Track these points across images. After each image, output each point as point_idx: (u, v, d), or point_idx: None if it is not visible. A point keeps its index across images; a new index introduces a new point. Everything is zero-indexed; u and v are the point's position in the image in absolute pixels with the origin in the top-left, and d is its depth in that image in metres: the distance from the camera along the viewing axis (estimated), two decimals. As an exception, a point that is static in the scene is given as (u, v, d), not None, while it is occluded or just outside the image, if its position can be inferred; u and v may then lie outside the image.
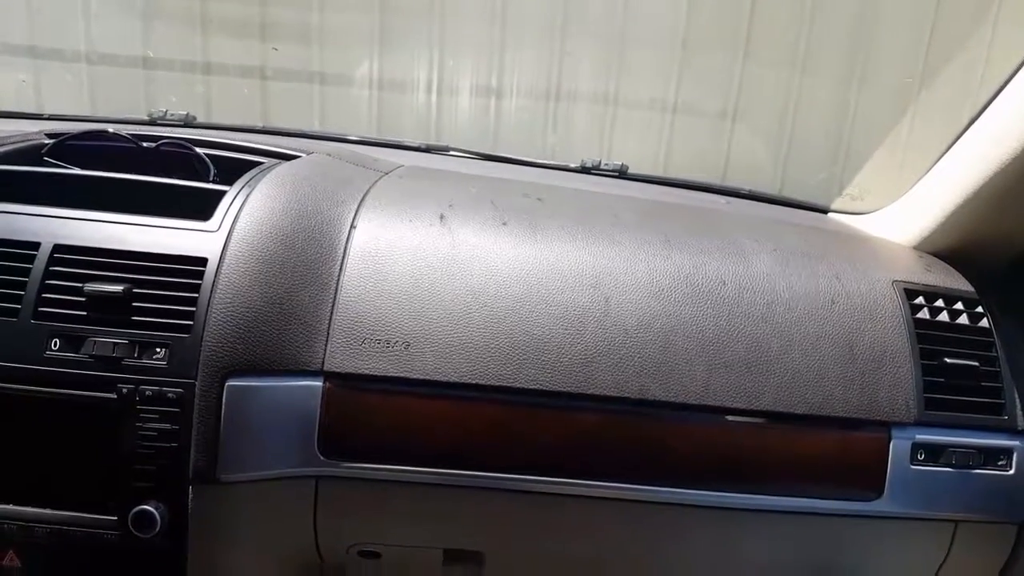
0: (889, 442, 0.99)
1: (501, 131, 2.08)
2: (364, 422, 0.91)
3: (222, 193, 0.98)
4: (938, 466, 1.00)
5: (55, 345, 0.87)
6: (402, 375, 0.91)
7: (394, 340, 0.91)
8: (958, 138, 1.17)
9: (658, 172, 1.59)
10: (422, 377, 0.91)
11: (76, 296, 0.88)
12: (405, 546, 1.00)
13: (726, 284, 1.01)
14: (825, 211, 1.57)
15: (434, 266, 0.96)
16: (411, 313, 0.93)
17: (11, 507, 0.88)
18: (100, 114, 1.99)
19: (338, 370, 0.90)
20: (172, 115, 1.59)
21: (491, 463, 0.93)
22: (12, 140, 1.16)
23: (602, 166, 1.57)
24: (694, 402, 0.94)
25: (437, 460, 0.92)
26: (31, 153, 1.13)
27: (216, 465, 0.87)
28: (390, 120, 2.06)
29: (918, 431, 1.00)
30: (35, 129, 1.28)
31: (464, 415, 0.92)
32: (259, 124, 1.59)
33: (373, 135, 1.66)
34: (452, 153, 1.58)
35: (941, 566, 1.06)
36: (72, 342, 0.87)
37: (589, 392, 0.93)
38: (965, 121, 1.15)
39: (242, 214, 0.95)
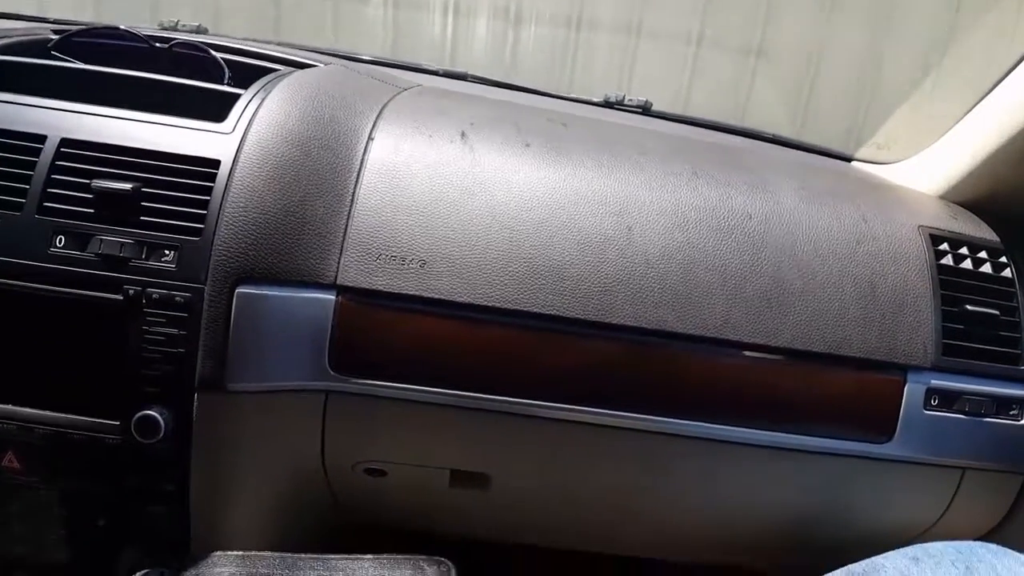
0: (904, 385, 0.98)
1: (519, 61, 2.02)
2: (376, 339, 0.89)
3: (237, 96, 0.95)
4: (951, 412, 0.99)
5: (60, 242, 0.84)
6: (417, 293, 0.88)
7: (410, 257, 0.89)
8: (992, 88, 1.14)
9: (677, 110, 1.54)
10: (437, 296, 0.89)
11: (83, 193, 0.85)
12: (412, 465, 0.99)
13: (752, 218, 0.99)
14: (849, 159, 1.53)
15: (453, 184, 0.93)
16: (428, 231, 0.90)
17: (11, 407, 0.87)
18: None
19: (352, 284, 0.88)
20: (184, 25, 1.54)
21: (502, 386, 0.91)
22: (18, 33, 1.12)
23: (626, 101, 1.53)
24: (712, 335, 0.93)
25: (448, 381, 0.90)
26: (37, 47, 1.09)
27: (223, 373, 0.85)
28: (405, 44, 2.01)
29: (933, 376, 0.99)
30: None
31: (478, 337, 0.90)
32: (272, 39, 1.54)
33: (387, 56, 1.61)
34: (470, 79, 1.53)
35: (944, 512, 1.06)
36: (77, 240, 0.84)
37: (606, 320, 0.91)
38: (996, 70, 1.12)
39: (257, 117, 0.92)
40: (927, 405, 0.98)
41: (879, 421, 0.98)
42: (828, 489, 1.04)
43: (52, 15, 1.66)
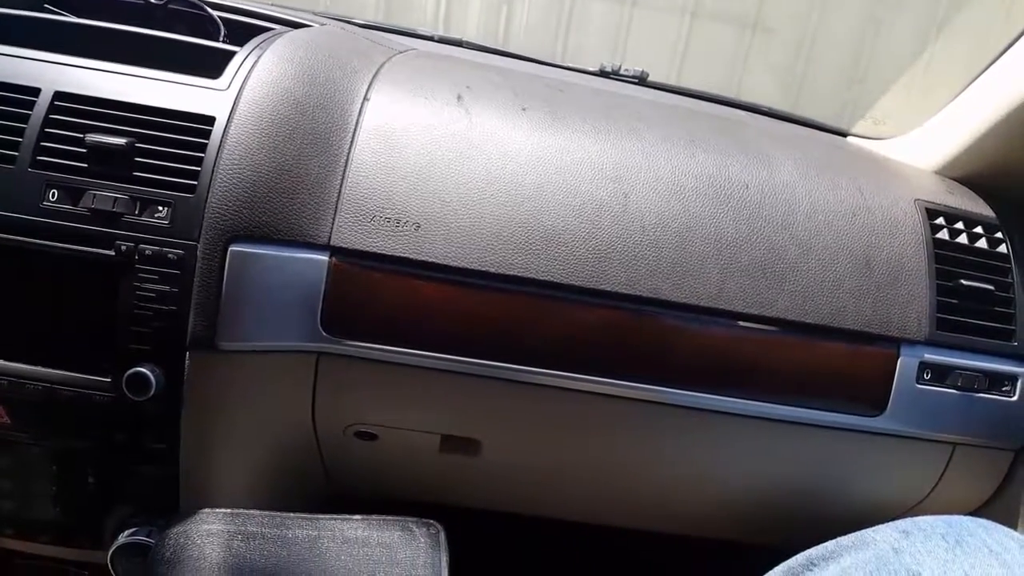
0: (897, 359, 0.98)
1: (512, 32, 2.01)
2: (369, 301, 0.88)
3: (232, 53, 0.94)
4: (943, 387, 0.99)
5: (53, 196, 0.83)
6: (411, 256, 0.88)
7: (404, 219, 0.88)
8: (990, 64, 1.14)
9: (671, 81, 1.53)
10: (431, 260, 0.88)
11: (76, 147, 0.84)
12: (402, 429, 0.99)
13: (748, 188, 0.98)
14: (844, 135, 1.53)
15: (449, 146, 0.92)
16: (423, 193, 0.89)
17: (1, 362, 0.86)
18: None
19: (345, 246, 0.87)
20: (180, -13, 1.52)
21: (495, 352, 0.91)
22: None
23: (622, 71, 1.51)
24: (706, 304, 0.93)
25: (441, 345, 0.90)
26: (31, 0, 1.07)
27: (215, 332, 0.85)
28: (399, 13, 1.98)
29: (927, 350, 0.99)
30: None
31: (471, 302, 0.90)
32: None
33: (381, 21, 1.59)
34: (465, 46, 1.52)
35: (934, 488, 1.06)
36: (71, 194, 0.83)
37: (600, 288, 0.91)
38: (994, 45, 1.11)
39: (252, 75, 0.90)
40: (920, 379, 0.99)
41: (871, 394, 0.98)
42: (819, 462, 1.04)
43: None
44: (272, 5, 1.42)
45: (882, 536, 0.77)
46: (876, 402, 0.98)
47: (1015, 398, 1.01)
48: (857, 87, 1.93)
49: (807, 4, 1.94)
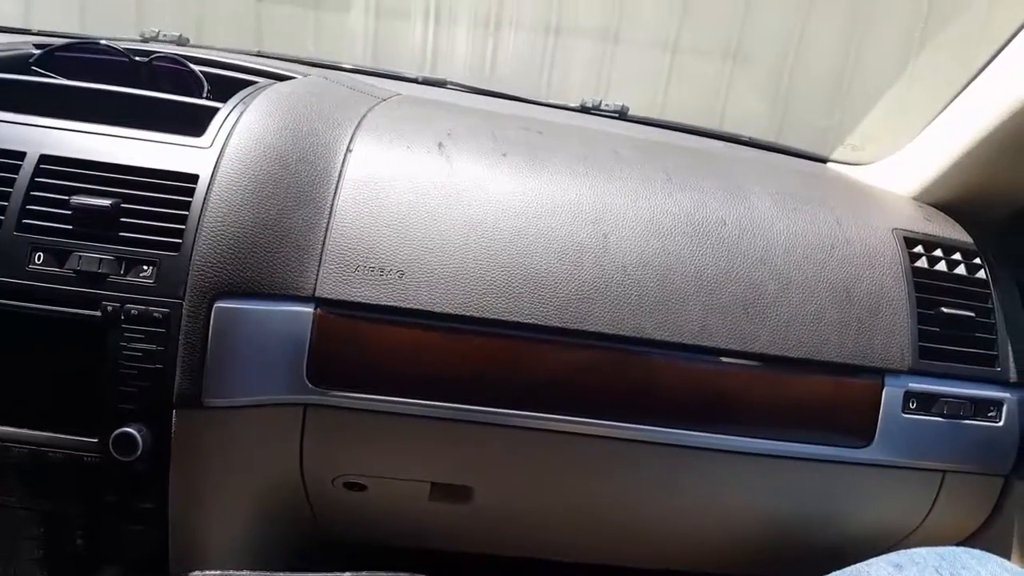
0: (882, 389, 0.98)
1: (499, 67, 2.04)
2: (355, 350, 0.89)
3: (215, 110, 0.95)
4: (929, 415, 1.00)
5: (38, 259, 0.84)
6: (395, 304, 0.89)
7: (388, 268, 0.89)
8: (964, 88, 1.15)
9: (655, 114, 1.56)
10: (416, 307, 0.89)
11: (62, 209, 0.85)
12: (391, 478, 0.99)
13: (726, 224, 0.99)
14: (824, 161, 1.55)
15: (431, 194, 0.94)
16: (406, 241, 0.90)
17: None
18: (90, 33, 1.94)
19: (330, 296, 0.88)
20: (165, 35, 1.54)
21: (482, 397, 0.91)
22: (0, 48, 1.12)
23: (602, 106, 1.54)
24: (689, 342, 0.93)
25: (428, 392, 0.90)
26: (19, 62, 1.09)
27: (201, 389, 0.85)
28: (386, 50, 2.01)
29: (911, 379, 0.99)
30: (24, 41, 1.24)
31: (457, 347, 0.90)
32: (253, 49, 1.54)
33: (368, 65, 1.61)
34: (449, 87, 1.54)
35: (927, 516, 1.06)
36: (56, 256, 0.84)
37: (584, 328, 0.92)
38: (969, 71, 1.13)
39: (235, 132, 0.92)
40: (905, 408, 0.99)
41: (858, 426, 0.98)
42: (809, 495, 1.04)
43: (39, 19, 1.66)
44: (258, 54, 1.45)
45: (875, 570, 0.77)
46: (863, 433, 0.98)
47: (1001, 423, 1.02)
48: (838, 113, 1.96)
49: (786, 34, 1.97)
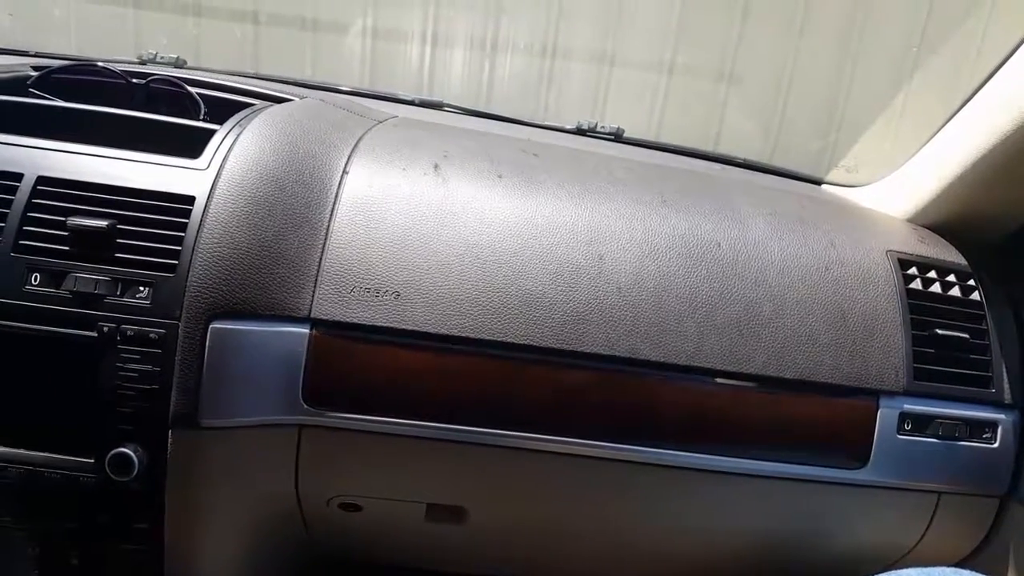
0: (877, 411, 0.98)
1: (495, 89, 2.05)
2: (350, 371, 0.89)
3: (212, 132, 0.96)
4: (924, 436, 1.00)
5: (35, 280, 0.84)
6: (391, 325, 0.89)
7: (384, 289, 0.90)
8: (957, 110, 1.16)
9: (651, 137, 1.57)
10: (411, 328, 0.89)
11: (58, 230, 0.85)
12: (387, 499, 0.99)
13: (721, 246, 1.00)
14: (819, 183, 1.56)
15: (427, 216, 0.94)
16: (402, 263, 0.91)
17: None
18: (88, 54, 1.95)
19: (326, 317, 0.88)
20: (163, 57, 1.55)
21: (477, 418, 0.92)
22: None
23: (598, 128, 1.55)
24: (684, 363, 0.94)
25: (423, 413, 0.91)
26: (16, 84, 1.10)
27: (197, 409, 0.85)
28: (383, 72, 2.03)
29: (906, 401, 1.00)
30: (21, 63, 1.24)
31: (452, 368, 0.91)
32: (250, 71, 1.56)
33: (366, 87, 1.63)
34: (446, 109, 1.55)
35: (922, 537, 1.06)
36: (53, 277, 0.84)
37: (579, 350, 0.92)
38: (962, 93, 1.14)
39: (232, 153, 0.92)
40: (900, 430, 0.99)
41: (853, 447, 0.99)
42: (805, 516, 1.04)
43: (37, 41, 1.67)
44: (256, 76, 1.46)
45: None
46: (858, 454, 0.98)
47: (996, 444, 1.02)
48: (833, 135, 1.97)
49: (781, 56, 1.99)
